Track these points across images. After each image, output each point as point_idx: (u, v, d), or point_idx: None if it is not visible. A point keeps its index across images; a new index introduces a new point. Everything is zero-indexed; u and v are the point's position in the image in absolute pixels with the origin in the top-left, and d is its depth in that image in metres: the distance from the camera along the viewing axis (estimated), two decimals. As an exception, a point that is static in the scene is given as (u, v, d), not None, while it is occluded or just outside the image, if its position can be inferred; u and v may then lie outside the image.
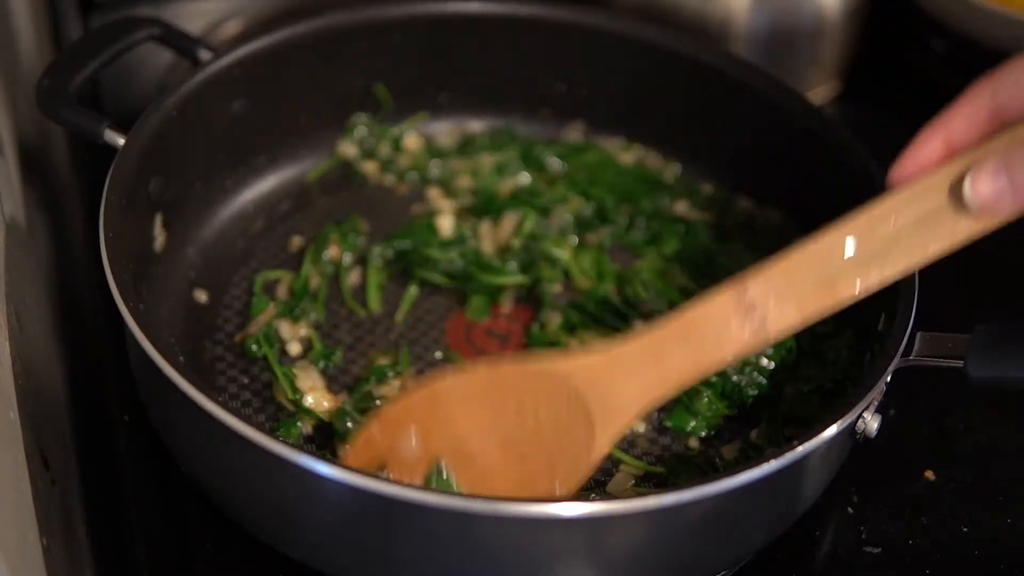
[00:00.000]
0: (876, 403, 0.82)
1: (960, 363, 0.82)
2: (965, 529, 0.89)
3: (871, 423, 0.82)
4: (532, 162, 1.09)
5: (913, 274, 0.85)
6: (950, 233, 0.79)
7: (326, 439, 0.89)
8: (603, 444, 0.80)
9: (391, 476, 0.79)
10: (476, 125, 1.14)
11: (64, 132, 1.20)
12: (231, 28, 1.23)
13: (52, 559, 0.83)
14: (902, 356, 0.82)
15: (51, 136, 1.23)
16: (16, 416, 0.84)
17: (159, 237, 0.97)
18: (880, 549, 0.88)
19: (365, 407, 0.89)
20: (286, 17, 1.07)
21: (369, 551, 0.78)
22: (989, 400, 0.96)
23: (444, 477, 0.80)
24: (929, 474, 0.93)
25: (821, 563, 0.88)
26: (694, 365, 0.81)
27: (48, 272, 1.10)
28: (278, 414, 0.91)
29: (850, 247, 0.80)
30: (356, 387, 0.92)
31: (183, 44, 1.03)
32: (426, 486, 0.79)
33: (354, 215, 1.05)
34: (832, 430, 0.77)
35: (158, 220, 0.97)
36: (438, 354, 0.96)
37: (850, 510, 0.90)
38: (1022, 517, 0.90)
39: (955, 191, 0.78)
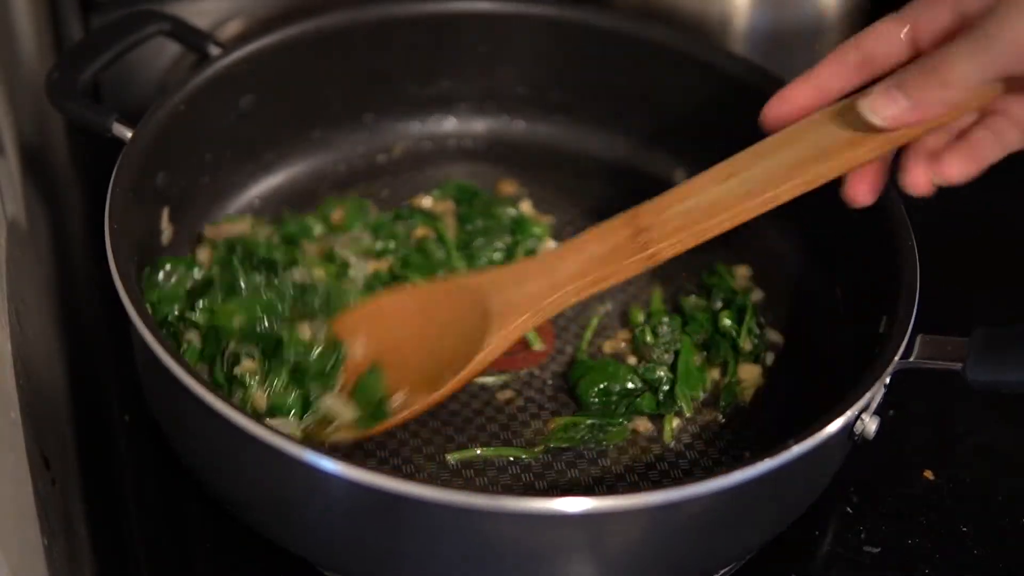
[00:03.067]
0: (875, 405, 0.82)
1: (959, 366, 0.82)
2: (965, 529, 0.90)
3: (869, 424, 0.82)
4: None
5: (914, 276, 0.85)
6: (841, 157, 0.85)
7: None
8: (496, 340, 0.91)
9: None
10: (480, 124, 1.14)
11: (64, 131, 1.20)
12: (233, 28, 1.23)
13: (52, 558, 0.83)
14: (901, 358, 0.82)
15: (51, 135, 1.23)
16: (17, 416, 0.84)
17: (166, 231, 0.97)
18: (880, 549, 0.88)
19: None
20: (289, 16, 1.06)
21: (371, 547, 0.78)
22: (988, 401, 0.96)
23: (374, 375, 0.90)
24: (929, 474, 0.93)
25: (821, 563, 0.88)
26: (584, 275, 0.90)
27: (48, 272, 1.10)
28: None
29: (732, 181, 0.88)
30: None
31: (193, 39, 1.04)
32: (358, 382, 0.90)
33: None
34: (829, 431, 0.77)
35: (165, 213, 0.97)
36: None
37: (850, 510, 0.90)
38: (1022, 517, 0.90)
39: (845, 119, 0.85)
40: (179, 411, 0.83)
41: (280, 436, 0.74)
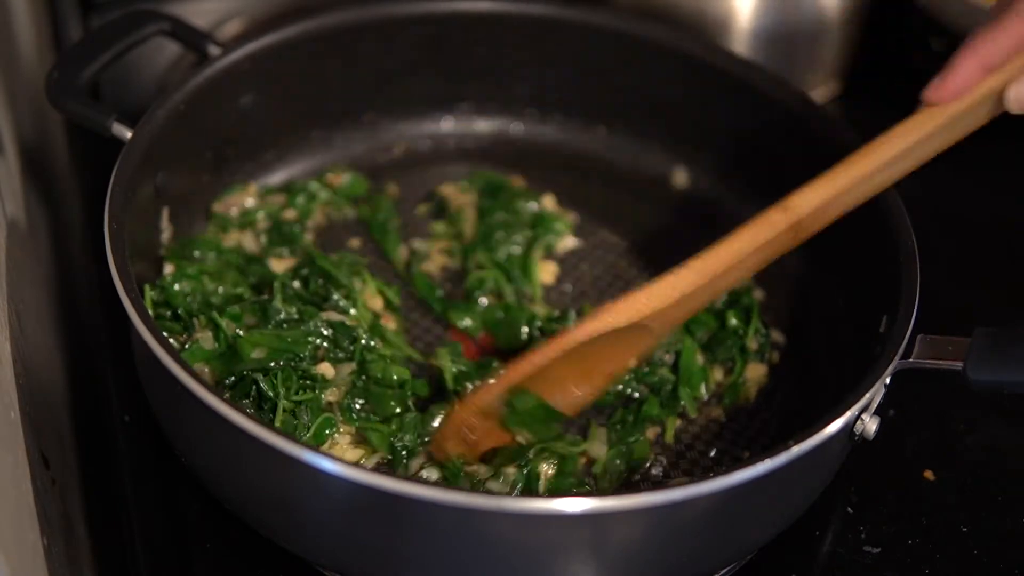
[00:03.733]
0: (875, 405, 0.82)
1: (959, 366, 0.82)
2: (965, 529, 0.90)
3: (870, 424, 0.82)
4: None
5: (914, 276, 0.86)
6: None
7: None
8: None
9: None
10: (483, 124, 1.14)
11: (64, 131, 1.20)
12: (233, 28, 1.24)
13: (52, 558, 0.83)
14: (901, 358, 0.82)
15: (51, 136, 1.23)
16: (17, 416, 0.84)
17: (166, 231, 0.97)
18: (880, 549, 0.88)
19: None
20: (289, 16, 1.07)
21: (371, 547, 0.78)
22: (989, 401, 0.96)
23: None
24: (929, 474, 0.93)
25: (821, 563, 0.88)
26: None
27: (48, 272, 1.10)
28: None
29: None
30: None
31: (193, 39, 1.04)
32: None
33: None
34: (829, 431, 0.77)
35: (165, 213, 0.97)
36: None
37: (850, 510, 0.90)
38: (1022, 517, 0.90)
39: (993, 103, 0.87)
40: (179, 411, 0.83)
41: (280, 436, 0.74)
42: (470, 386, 0.91)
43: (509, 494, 0.84)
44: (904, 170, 0.88)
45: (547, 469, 0.86)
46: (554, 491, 0.85)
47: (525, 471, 0.85)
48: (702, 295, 0.89)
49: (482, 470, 0.86)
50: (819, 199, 0.88)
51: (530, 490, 0.85)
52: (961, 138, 0.88)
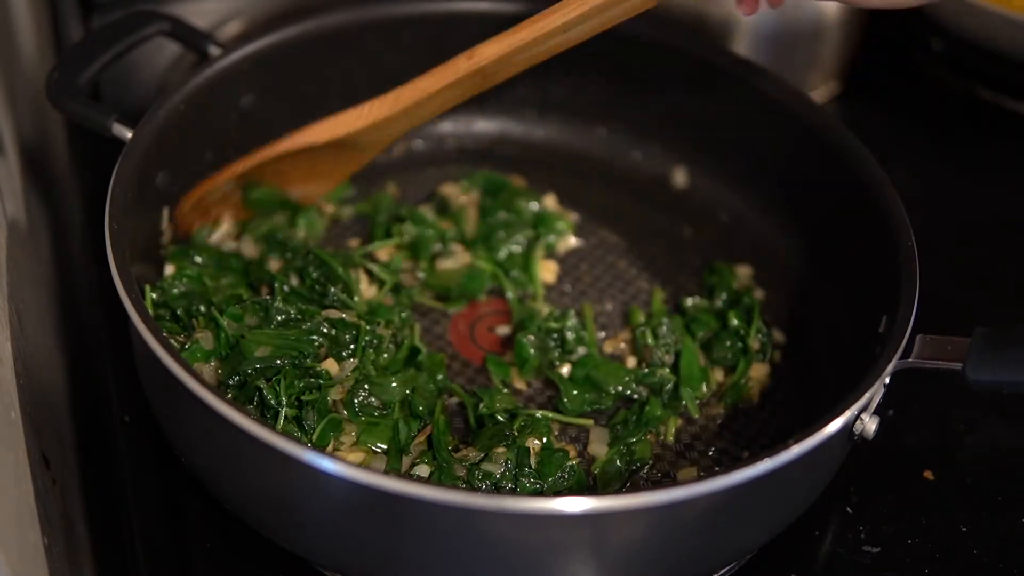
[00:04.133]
0: (875, 405, 0.82)
1: (959, 366, 0.82)
2: (965, 529, 0.90)
3: (869, 424, 0.82)
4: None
5: (914, 276, 0.86)
6: None
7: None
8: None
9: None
10: (483, 124, 1.14)
11: (64, 131, 1.20)
12: (233, 28, 1.23)
13: (52, 558, 0.83)
14: (901, 358, 0.82)
15: (51, 136, 1.23)
16: (17, 416, 0.84)
17: (166, 231, 0.97)
18: (880, 549, 0.88)
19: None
20: (289, 16, 1.07)
21: (371, 547, 0.78)
22: (989, 401, 0.96)
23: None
24: (929, 474, 0.93)
25: (821, 563, 0.88)
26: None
27: (48, 272, 1.10)
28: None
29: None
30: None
31: (193, 39, 1.04)
32: None
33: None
34: (829, 431, 0.77)
35: (165, 214, 0.97)
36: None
37: (850, 510, 0.90)
38: (1022, 517, 0.90)
39: None
40: (179, 411, 0.83)
41: (280, 436, 0.74)
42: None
43: (505, 473, 0.85)
44: (582, 35, 0.93)
45: (535, 442, 0.87)
46: (544, 463, 0.86)
47: (515, 448, 0.85)
48: (399, 122, 0.99)
49: (471, 454, 0.86)
50: (500, 50, 0.94)
51: (523, 465, 0.85)
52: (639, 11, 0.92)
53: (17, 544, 0.75)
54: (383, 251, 1.02)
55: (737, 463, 0.75)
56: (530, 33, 0.93)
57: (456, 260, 1.02)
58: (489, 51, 0.95)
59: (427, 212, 1.06)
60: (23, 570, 0.75)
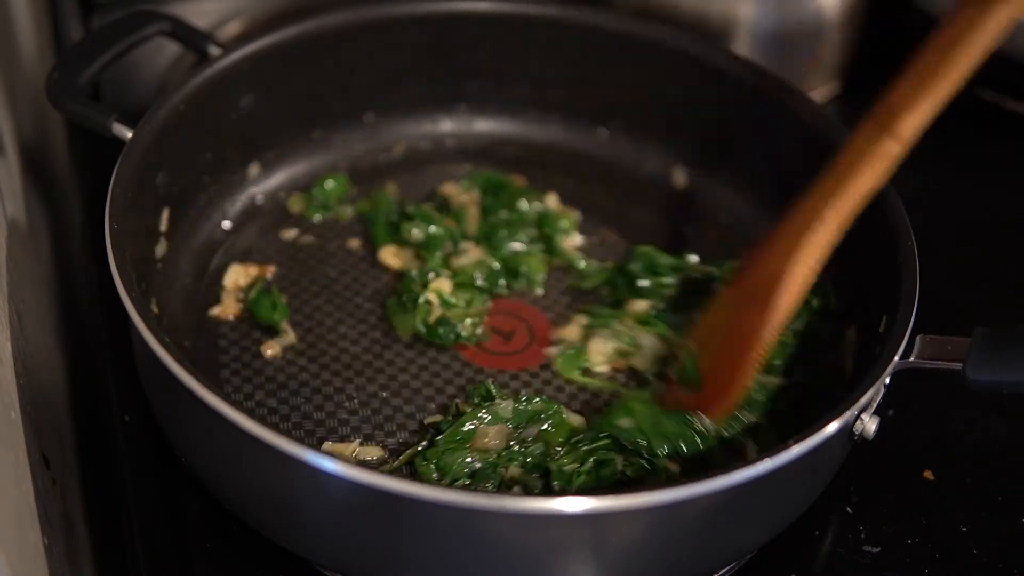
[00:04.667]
0: (875, 405, 0.82)
1: (959, 366, 0.82)
2: (965, 529, 0.90)
3: (869, 424, 0.82)
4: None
5: (914, 276, 0.86)
6: None
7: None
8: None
9: None
10: (483, 124, 1.14)
11: (64, 131, 1.20)
12: (233, 28, 1.24)
13: (52, 558, 0.83)
14: (901, 358, 0.82)
15: (51, 136, 1.23)
16: (17, 416, 0.84)
17: (166, 231, 0.97)
18: (880, 549, 0.88)
19: None
20: (289, 16, 1.07)
21: (371, 547, 0.78)
22: (989, 401, 0.96)
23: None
24: (929, 474, 0.93)
25: (821, 563, 0.88)
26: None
27: (48, 272, 1.10)
28: (279, 408, 0.91)
29: None
30: None
31: (193, 39, 1.04)
32: None
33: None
34: (829, 431, 0.77)
35: (165, 213, 0.97)
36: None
37: (850, 510, 0.90)
38: (1022, 517, 0.91)
39: None
40: (179, 411, 0.83)
41: (280, 436, 0.74)
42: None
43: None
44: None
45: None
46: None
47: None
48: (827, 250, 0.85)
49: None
50: (924, 118, 0.81)
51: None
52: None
53: (17, 544, 0.75)
54: (392, 257, 1.02)
55: (737, 463, 0.75)
56: (949, 85, 0.80)
57: (469, 257, 1.02)
58: (914, 122, 0.81)
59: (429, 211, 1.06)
60: (23, 570, 0.75)
